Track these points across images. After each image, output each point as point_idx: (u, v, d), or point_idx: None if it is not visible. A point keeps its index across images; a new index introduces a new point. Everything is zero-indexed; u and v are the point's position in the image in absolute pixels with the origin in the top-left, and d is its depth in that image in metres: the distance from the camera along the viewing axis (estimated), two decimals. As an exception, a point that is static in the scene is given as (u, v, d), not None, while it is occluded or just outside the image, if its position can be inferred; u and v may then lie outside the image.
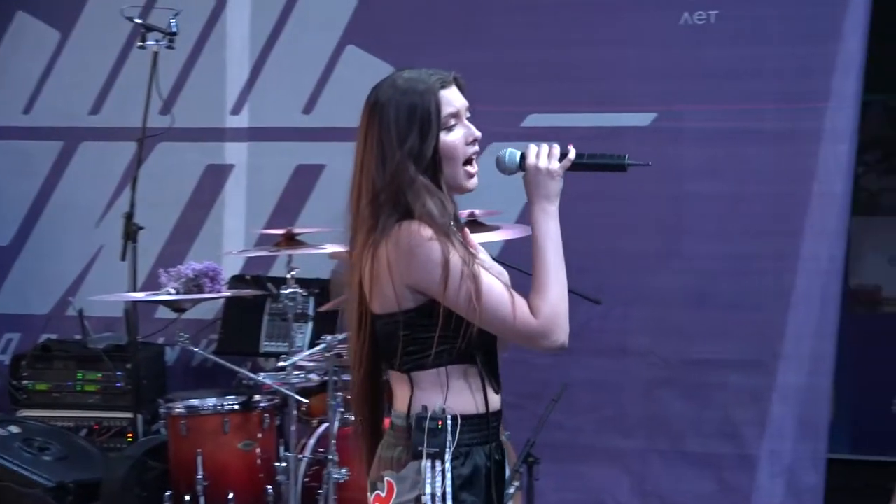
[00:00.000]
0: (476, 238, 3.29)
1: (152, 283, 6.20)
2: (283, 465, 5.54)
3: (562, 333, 3.03)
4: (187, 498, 5.55)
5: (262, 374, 5.80)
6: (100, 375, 6.72)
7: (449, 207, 3.05)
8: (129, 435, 6.46)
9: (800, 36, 6.23)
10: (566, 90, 6.51)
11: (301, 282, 5.68)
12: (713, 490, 6.33)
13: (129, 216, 6.26)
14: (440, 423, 3.02)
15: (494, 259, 3.29)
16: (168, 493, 5.65)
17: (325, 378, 5.46)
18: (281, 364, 5.61)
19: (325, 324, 6.20)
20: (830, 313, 6.18)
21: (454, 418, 3.03)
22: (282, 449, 5.74)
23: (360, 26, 6.87)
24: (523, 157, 3.13)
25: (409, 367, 3.06)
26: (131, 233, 6.23)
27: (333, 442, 5.35)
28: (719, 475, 6.33)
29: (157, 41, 6.35)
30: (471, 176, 3.11)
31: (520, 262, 3.34)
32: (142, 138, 6.34)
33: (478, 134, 3.11)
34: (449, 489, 3.02)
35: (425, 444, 3.01)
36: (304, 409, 5.67)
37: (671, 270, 6.41)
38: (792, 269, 6.22)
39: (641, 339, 6.44)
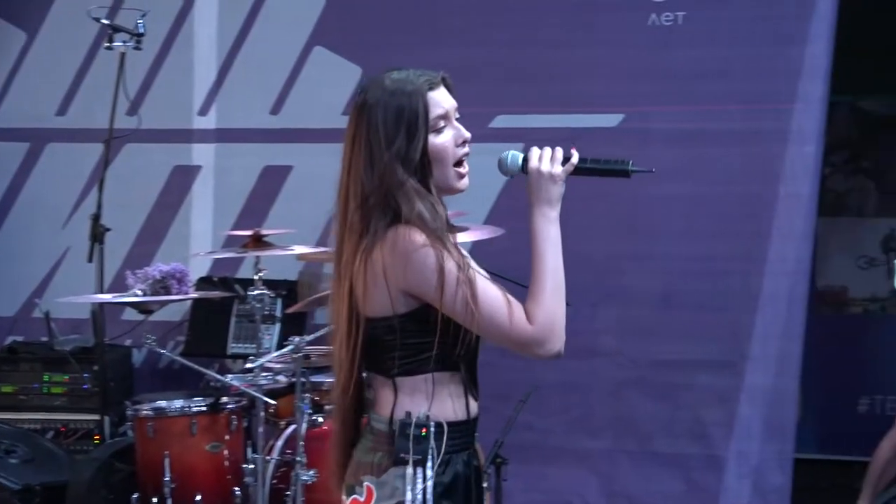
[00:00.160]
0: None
1: (119, 285, 6.17)
2: (251, 466, 5.51)
3: (557, 342, 3.02)
4: (154, 500, 5.51)
5: (230, 375, 5.78)
6: (66, 377, 6.68)
7: (440, 210, 3.02)
8: (96, 437, 6.42)
9: (766, 37, 6.25)
10: (534, 91, 6.52)
11: (269, 283, 5.66)
12: (681, 490, 6.35)
13: (96, 217, 6.22)
14: (424, 430, 3.00)
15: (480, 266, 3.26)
16: (135, 496, 5.61)
17: (293, 380, 5.44)
18: (249, 366, 5.58)
19: (293, 325, 6.19)
20: (797, 314, 6.21)
21: (438, 425, 3.02)
22: (249, 451, 5.71)
23: (327, 27, 6.86)
24: (525, 159, 3.10)
25: (395, 372, 3.04)
26: (98, 234, 6.20)
27: (301, 443, 5.33)
28: (687, 475, 6.35)
29: (124, 42, 6.31)
30: (461, 177, 3.08)
31: (489, 263, 3.33)
32: (109, 139, 6.31)
33: (467, 135, 3.08)
34: (430, 497, 3.01)
35: (410, 452, 3.00)
36: (271, 410, 5.64)
37: (639, 271, 6.42)
38: (759, 271, 6.25)
39: (609, 339, 6.45)
